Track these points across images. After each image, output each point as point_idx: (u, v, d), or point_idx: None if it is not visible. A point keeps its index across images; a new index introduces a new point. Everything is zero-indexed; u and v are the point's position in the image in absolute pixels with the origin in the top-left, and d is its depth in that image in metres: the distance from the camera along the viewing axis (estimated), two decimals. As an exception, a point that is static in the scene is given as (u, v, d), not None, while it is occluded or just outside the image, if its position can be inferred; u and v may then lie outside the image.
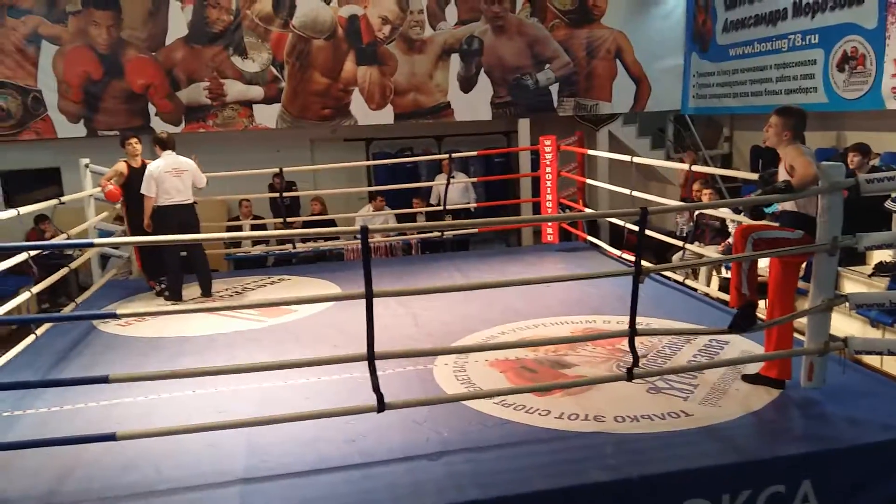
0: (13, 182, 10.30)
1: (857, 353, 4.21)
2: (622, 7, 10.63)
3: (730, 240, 7.58)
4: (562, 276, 6.17)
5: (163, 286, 7.03)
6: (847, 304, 4.13)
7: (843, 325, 5.68)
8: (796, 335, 4.37)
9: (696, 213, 7.75)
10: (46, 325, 5.92)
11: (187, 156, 6.97)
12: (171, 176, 6.67)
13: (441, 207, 8.96)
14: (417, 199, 9.92)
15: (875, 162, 7.41)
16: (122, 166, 7.01)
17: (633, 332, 3.81)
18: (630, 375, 3.87)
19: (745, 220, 6.35)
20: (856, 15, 7.69)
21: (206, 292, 6.93)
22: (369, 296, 3.45)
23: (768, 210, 6.38)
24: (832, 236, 3.86)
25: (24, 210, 5.85)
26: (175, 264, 6.77)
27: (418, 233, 9.38)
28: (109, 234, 7.99)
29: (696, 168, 6.91)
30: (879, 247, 4.36)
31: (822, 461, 3.50)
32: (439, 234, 8.96)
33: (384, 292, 3.65)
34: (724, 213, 7.33)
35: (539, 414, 4.00)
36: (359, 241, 3.48)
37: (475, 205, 9.89)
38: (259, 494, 3.34)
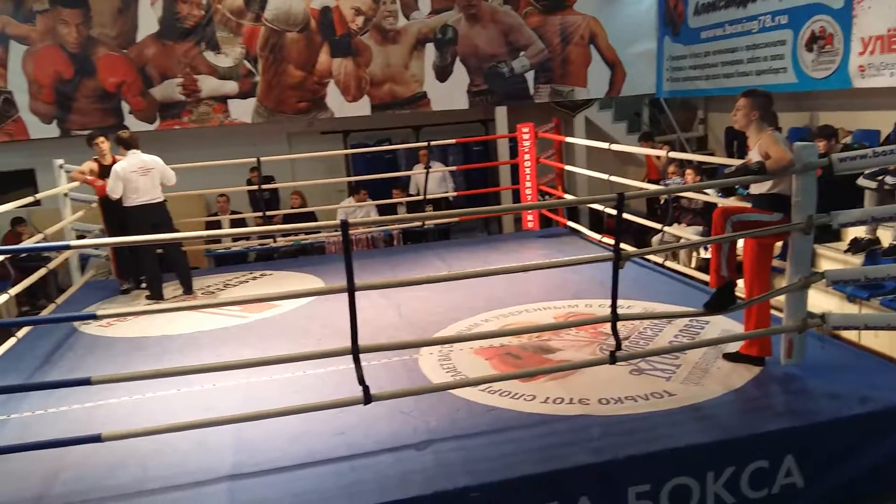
0: (-14, 185, 10.15)
1: (835, 328, 4.29)
2: (594, -8, 10.66)
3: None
4: (543, 264, 6.18)
5: (129, 286, 7.03)
6: (823, 280, 4.20)
7: (821, 301, 5.78)
8: (775, 313, 4.44)
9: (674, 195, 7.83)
10: (27, 328, 5.86)
11: (159, 154, 6.89)
12: (138, 175, 6.56)
13: (421, 197, 8.97)
14: (397, 189, 9.91)
15: (847, 140, 7.52)
16: (93, 165, 6.94)
17: (615, 317, 3.86)
18: (613, 358, 3.92)
19: (722, 202, 6.43)
20: (824, -6, 7.77)
21: (188, 290, 6.89)
22: (351, 289, 3.46)
23: (742, 191, 6.47)
24: (807, 215, 3.92)
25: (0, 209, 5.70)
26: (152, 264, 6.70)
27: (399, 224, 9.38)
28: (88, 233, 7.91)
29: (672, 154, 6.98)
30: (853, 223, 4.44)
31: (804, 435, 3.57)
32: (420, 224, 8.96)
33: (366, 285, 3.67)
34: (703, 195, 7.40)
35: (525, 399, 4.04)
36: (339, 234, 3.48)
37: (454, 194, 9.90)
38: (247, 490, 3.35)
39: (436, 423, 3.82)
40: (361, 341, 3.56)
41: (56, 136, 9.64)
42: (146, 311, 4.94)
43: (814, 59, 8.04)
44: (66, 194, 7.46)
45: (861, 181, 6.17)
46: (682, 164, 8.37)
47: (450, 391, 4.13)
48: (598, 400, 3.96)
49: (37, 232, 7.07)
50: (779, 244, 5.30)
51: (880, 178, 6.00)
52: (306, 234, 9.06)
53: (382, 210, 9.89)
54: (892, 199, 5.91)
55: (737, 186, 7.07)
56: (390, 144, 11.30)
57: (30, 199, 6.35)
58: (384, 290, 6.15)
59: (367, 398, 3.59)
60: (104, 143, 6.96)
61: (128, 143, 6.67)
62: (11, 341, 5.55)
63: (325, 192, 10.91)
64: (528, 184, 8.71)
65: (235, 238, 9.22)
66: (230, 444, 3.74)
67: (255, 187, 8.59)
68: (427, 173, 8.84)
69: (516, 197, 9.31)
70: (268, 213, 8.43)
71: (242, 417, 3.70)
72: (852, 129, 7.86)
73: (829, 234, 6.30)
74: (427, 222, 8.89)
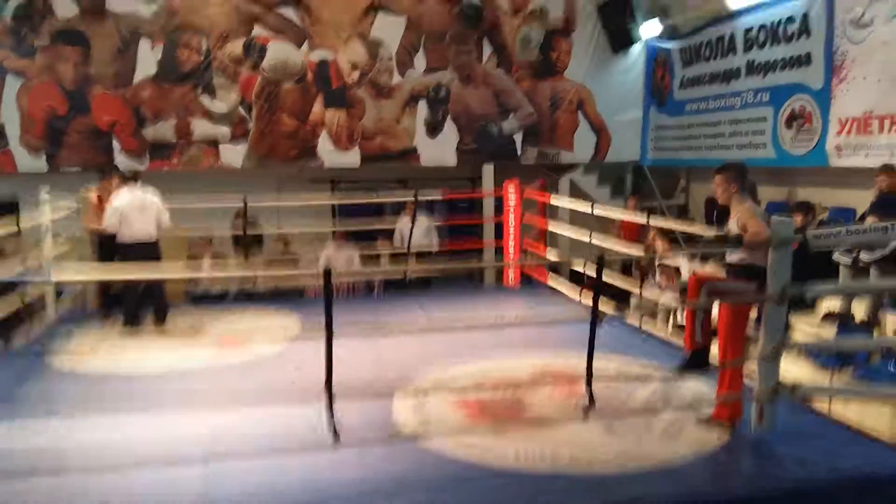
0: (-32, 214, 10.08)
1: (806, 397, 4.34)
2: (584, 61, 10.99)
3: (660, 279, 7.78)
4: (522, 319, 6.25)
5: (108, 317, 7.03)
6: (796, 350, 4.27)
7: (793, 369, 5.82)
8: (747, 380, 4.48)
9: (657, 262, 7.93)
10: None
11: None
12: (137, 212, 6.62)
13: (404, 249, 9.02)
14: (382, 239, 9.96)
15: (824, 216, 7.70)
16: (93, 196, 7.00)
17: (589, 376, 3.89)
18: (586, 416, 3.93)
19: (699, 270, 6.54)
20: (804, 75, 8.07)
21: (161, 321, 6.83)
22: (329, 337, 3.47)
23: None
24: (781, 286, 4.00)
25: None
26: (132, 295, 6.67)
27: (381, 275, 9.39)
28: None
29: (652, 223, 7.12)
30: (826, 296, 4.53)
31: (772, 501, 3.57)
32: (403, 275, 9.00)
33: (344, 332, 3.68)
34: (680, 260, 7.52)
35: (496, 453, 4.02)
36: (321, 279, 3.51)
37: (437, 248, 9.96)
38: (210, 531, 3.29)
39: (404, 473, 3.79)
40: (336, 386, 3.55)
41: (44, 171, 9.65)
42: (118, 344, 4.90)
43: (793, 136, 8.30)
44: (47, 227, 7.44)
45: (837, 257, 6.30)
46: (663, 232, 8.51)
47: (421, 441, 4.10)
48: (570, 457, 3.95)
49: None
50: (753, 312, 5.38)
51: (855, 254, 6.13)
52: (288, 279, 9.05)
53: (366, 258, 9.90)
54: (866, 274, 6.04)
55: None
56: (377, 194, 11.39)
57: (12, 229, 6.32)
58: (363, 335, 6.14)
59: (338, 443, 3.56)
60: (117, 183, 6.96)
61: (127, 180, 6.73)
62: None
63: (311, 239, 10.95)
64: (512, 241, 8.81)
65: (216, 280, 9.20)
66: (197, 484, 3.67)
67: (241, 232, 8.61)
68: (412, 225, 8.91)
69: (500, 253, 9.39)
70: (250, 255, 8.44)
71: (210, 456, 3.66)
72: (829, 205, 8.06)
73: (804, 305, 6.41)
74: (409, 274, 8.93)
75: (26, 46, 9.43)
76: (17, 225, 6.56)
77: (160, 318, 6.86)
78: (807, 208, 7.13)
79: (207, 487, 3.63)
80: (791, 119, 8.32)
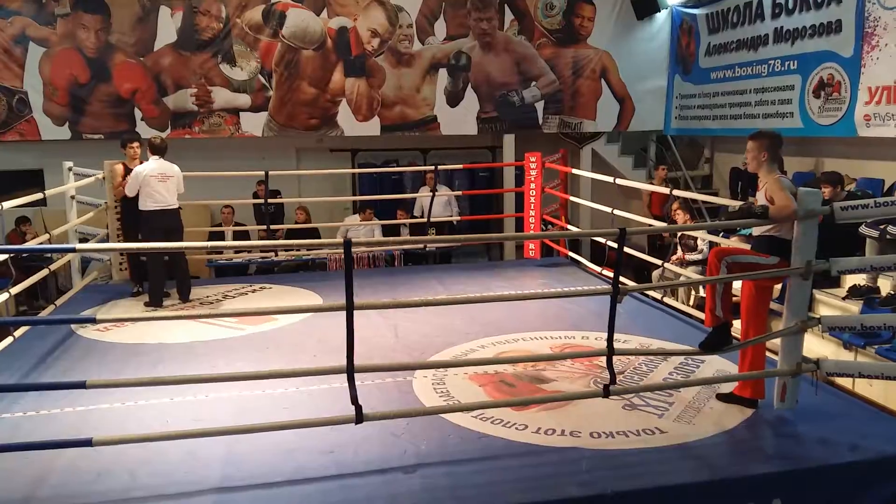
0: (-6, 183, 10.21)
1: (830, 374, 4.30)
2: (608, 28, 10.79)
3: (680, 254, 7.74)
4: (542, 293, 6.23)
5: (139, 289, 7.09)
6: (820, 326, 4.22)
7: (817, 346, 5.78)
8: (770, 355, 4.45)
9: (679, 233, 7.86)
10: (24, 328, 5.87)
11: (175, 162, 6.98)
12: (157, 181, 6.67)
13: (425, 220, 9.02)
14: (402, 210, 9.97)
15: (851, 187, 7.56)
16: (119, 168, 7.05)
17: (610, 352, 3.87)
18: (607, 392, 3.93)
19: (723, 242, 6.47)
20: (833, 43, 7.87)
21: (185, 298, 6.92)
22: (350, 308, 3.48)
23: (744, 232, 6.53)
24: (806, 260, 3.94)
25: (7, 205, 5.71)
26: (158, 271, 6.74)
27: (401, 245, 9.40)
28: (91, 237, 7.94)
29: (676, 192, 7.03)
30: (852, 271, 4.46)
31: (793, 480, 3.56)
32: (422, 246, 9.00)
33: (365, 305, 3.69)
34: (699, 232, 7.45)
35: (516, 428, 4.04)
36: (342, 252, 3.50)
37: (458, 218, 9.95)
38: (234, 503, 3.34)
39: (426, 447, 3.82)
40: (357, 360, 3.57)
41: (67, 138, 9.73)
42: (145, 317, 4.94)
43: (821, 105, 8.12)
44: (72, 196, 7.51)
45: (863, 229, 6.20)
46: (687, 202, 8.42)
47: (442, 416, 4.13)
48: (590, 433, 3.96)
49: (41, 232, 7.10)
50: (778, 287, 5.32)
51: (882, 226, 6.03)
52: (308, 249, 9.10)
53: (386, 230, 9.93)
54: (893, 248, 5.93)
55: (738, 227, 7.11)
56: (398, 165, 11.39)
57: (35, 197, 6.35)
58: (382, 310, 6.17)
59: (359, 418, 3.59)
60: (137, 149, 7.06)
61: (155, 149, 6.80)
62: (8, 340, 5.55)
63: (330, 209, 10.99)
64: (532, 212, 8.76)
65: (237, 250, 9.27)
66: (220, 456, 3.74)
67: (261, 200, 8.64)
68: (432, 196, 8.89)
69: (520, 225, 9.36)
70: (271, 226, 8.49)
71: (233, 430, 3.71)
72: (856, 176, 7.92)
73: (829, 280, 6.32)
74: (429, 245, 8.93)
75: (47, 14, 9.46)
76: (43, 194, 6.60)
77: (184, 296, 6.95)
78: (836, 179, 6.99)
79: (230, 462, 3.69)
80: (819, 88, 8.13)
